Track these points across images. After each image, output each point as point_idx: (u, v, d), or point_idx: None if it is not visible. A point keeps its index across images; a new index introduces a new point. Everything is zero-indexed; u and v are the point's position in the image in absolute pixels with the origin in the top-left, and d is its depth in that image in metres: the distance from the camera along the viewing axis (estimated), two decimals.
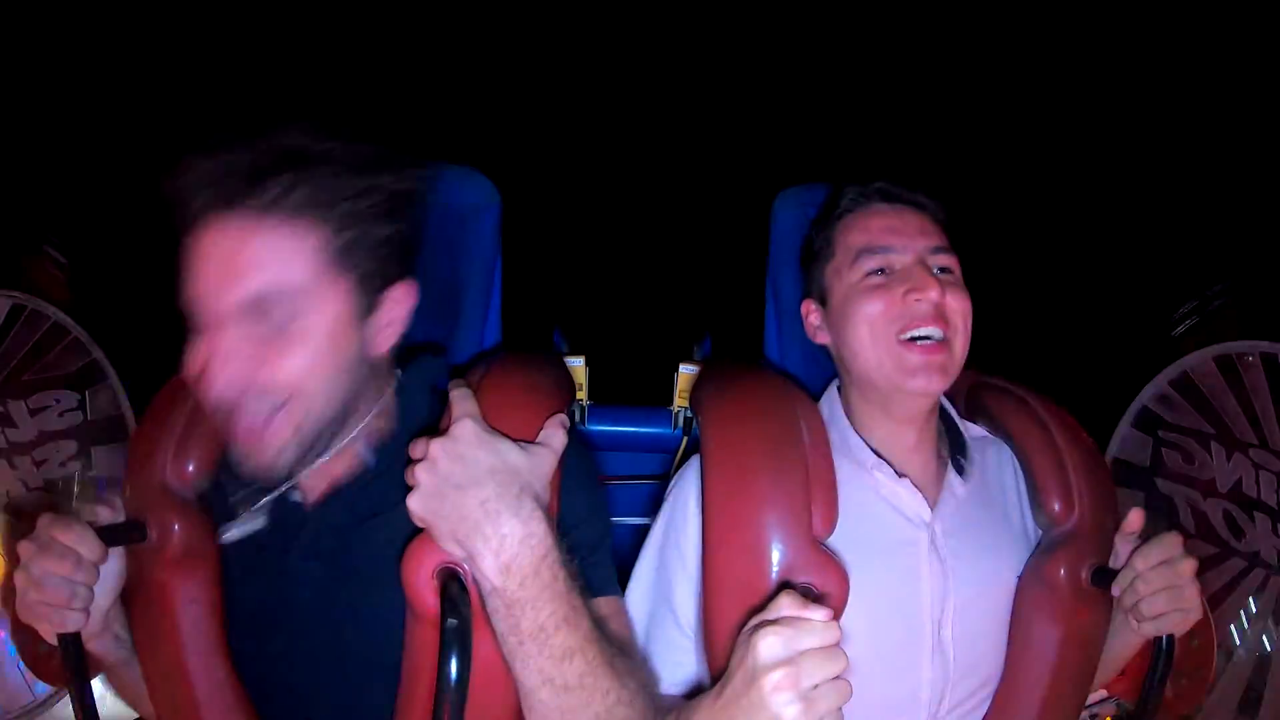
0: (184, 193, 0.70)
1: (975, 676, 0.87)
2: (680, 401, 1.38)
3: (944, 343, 0.87)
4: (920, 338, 0.86)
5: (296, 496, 0.81)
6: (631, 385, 1.47)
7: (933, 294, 0.86)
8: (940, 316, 0.87)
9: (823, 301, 0.97)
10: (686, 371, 1.36)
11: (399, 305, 0.78)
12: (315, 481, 0.81)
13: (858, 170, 1.00)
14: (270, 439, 0.72)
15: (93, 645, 0.80)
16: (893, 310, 0.87)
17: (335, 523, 0.79)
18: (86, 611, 0.74)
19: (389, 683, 0.75)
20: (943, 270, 0.90)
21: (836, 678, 0.57)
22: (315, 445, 0.75)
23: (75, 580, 0.72)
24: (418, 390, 0.84)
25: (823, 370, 1.04)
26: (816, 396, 0.98)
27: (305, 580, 0.79)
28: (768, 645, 0.57)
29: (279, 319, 0.69)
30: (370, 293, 0.75)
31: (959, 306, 0.88)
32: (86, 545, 0.73)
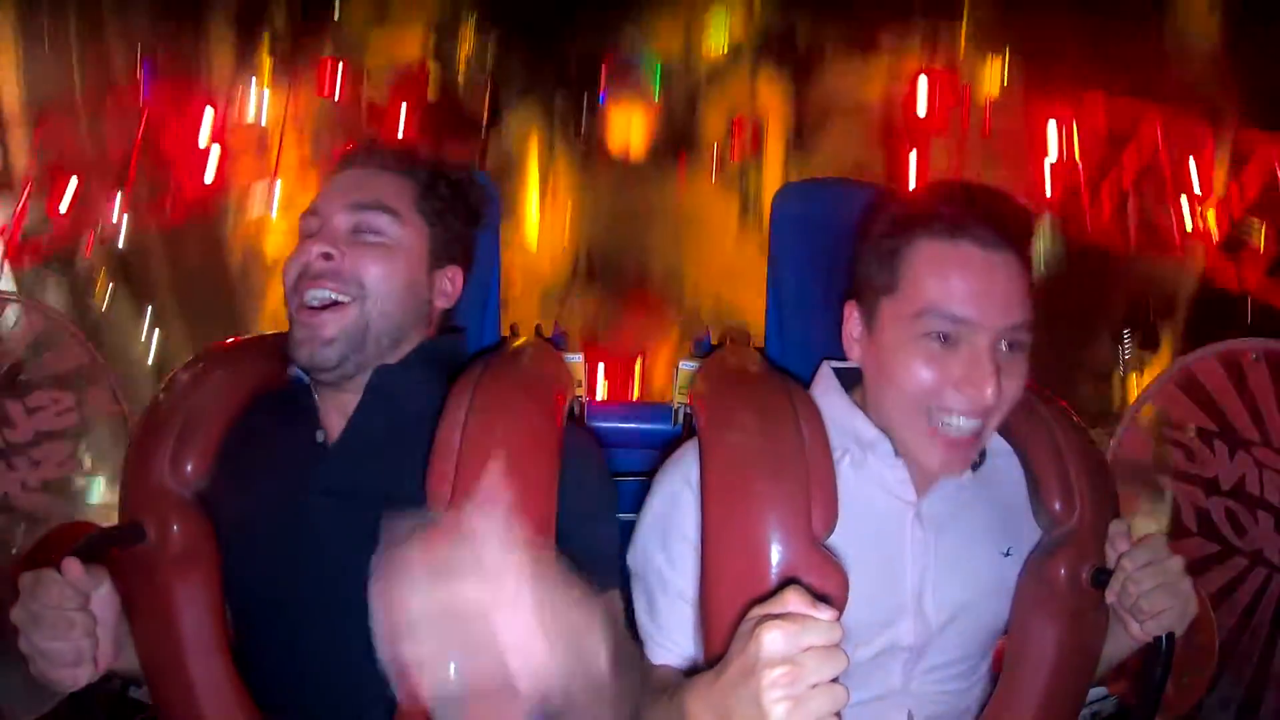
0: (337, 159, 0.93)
1: (957, 648, 0.87)
2: (680, 397, 1.37)
3: (977, 434, 0.81)
4: (951, 428, 0.80)
5: (320, 436, 0.88)
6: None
7: (987, 396, 0.77)
8: (985, 410, 0.79)
9: (868, 321, 0.86)
10: (686, 368, 1.36)
11: (455, 279, 0.96)
12: (334, 420, 0.89)
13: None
14: (330, 323, 0.83)
15: (117, 667, 0.80)
16: (941, 390, 0.79)
17: (351, 455, 0.85)
18: (95, 661, 0.75)
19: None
20: (1012, 348, 0.80)
21: (833, 681, 0.56)
22: (361, 353, 0.85)
23: (77, 641, 0.72)
24: (444, 351, 0.95)
25: None
26: None
27: (319, 520, 0.81)
28: (771, 640, 0.56)
29: (379, 225, 0.87)
30: (440, 253, 0.94)
31: (1011, 393, 0.80)
32: (70, 597, 0.72)
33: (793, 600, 0.58)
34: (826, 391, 0.92)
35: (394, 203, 0.89)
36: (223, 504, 0.85)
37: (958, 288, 0.78)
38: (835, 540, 0.79)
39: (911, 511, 0.87)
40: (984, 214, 0.79)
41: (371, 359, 0.87)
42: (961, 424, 0.79)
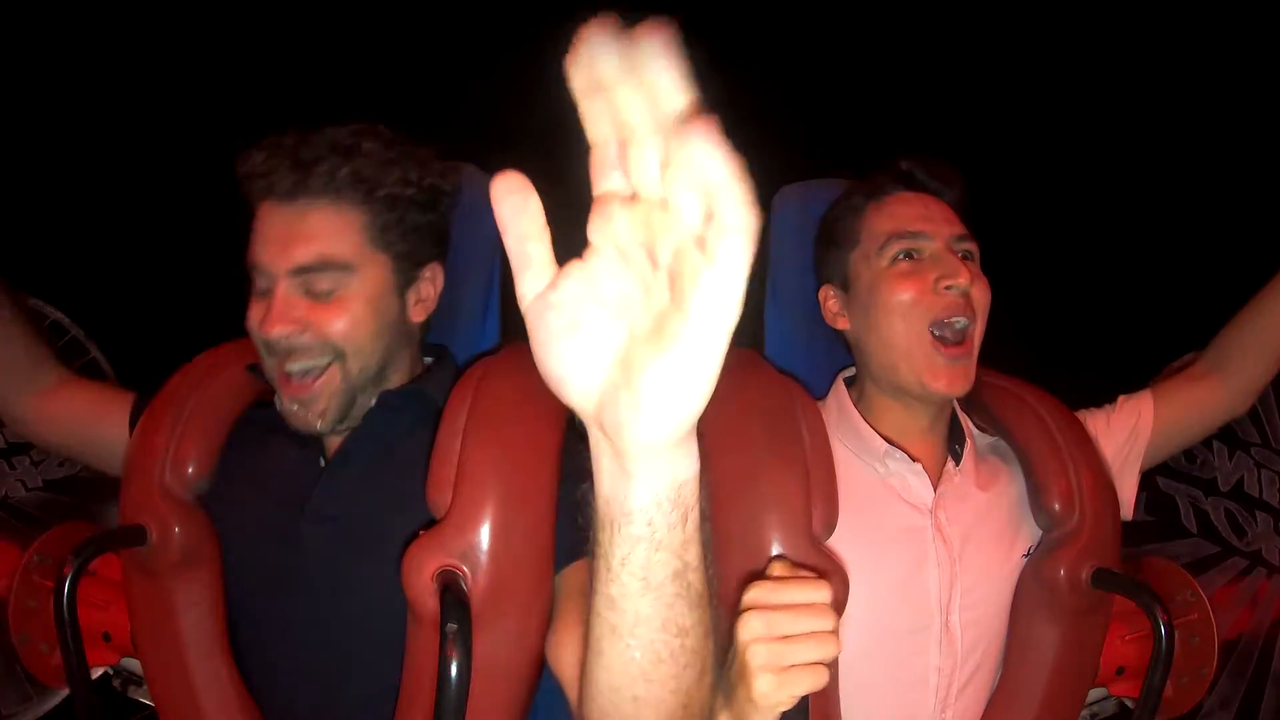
0: (245, 178, 0.80)
1: (974, 659, 0.88)
2: None
3: (968, 339, 0.88)
4: (949, 329, 0.87)
5: (320, 461, 0.86)
6: None
7: (963, 280, 0.86)
8: (969, 305, 0.87)
9: (844, 287, 0.96)
10: None
11: (432, 283, 0.88)
12: (333, 440, 0.86)
13: (860, 164, 0.99)
14: (320, 392, 0.80)
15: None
16: (925, 298, 0.87)
17: (347, 480, 0.83)
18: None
19: (387, 663, 0.75)
20: (966, 256, 0.91)
21: (816, 663, 0.56)
22: (352, 405, 0.83)
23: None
24: (446, 375, 0.89)
25: (823, 367, 1.04)
26: (817, 393, 0.98)
27: (310, 546, 0.80)
28: (747, 626, 0.56)
29: (329, 284, 0.79)
30: (407, 269, 0.85)
31: (981, 296, 0.89)
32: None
33: (778, 569, 0.61)
34: (842, 405, 0.96)
35: (340, 251, 0.79)
36: (220, 512, 0.85)
37: (904, 213, 0.92)
38: (860, 558, 0.80)
39: (930, 520, 0.88)
40: (914, 169, 0.95)
41: (363, 403, 0.85)
42: (955, 323, 0.87)
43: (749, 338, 1.19)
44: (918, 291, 0.88)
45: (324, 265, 0.79)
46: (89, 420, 0.92)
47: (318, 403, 0.81)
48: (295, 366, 0.80)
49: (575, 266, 0.36)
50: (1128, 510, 0.97)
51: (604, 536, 0.42)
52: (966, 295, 0.87)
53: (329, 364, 0.81)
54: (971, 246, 0.92)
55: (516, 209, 0.36)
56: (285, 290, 0.79)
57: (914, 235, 0.90)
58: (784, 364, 1.05)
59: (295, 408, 0.81)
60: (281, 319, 0.78)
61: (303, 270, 0.79)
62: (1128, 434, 0.98)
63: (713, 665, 0.49)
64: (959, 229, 0.91)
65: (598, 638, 0.45)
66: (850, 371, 1.01)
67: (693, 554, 0.42)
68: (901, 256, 0.90)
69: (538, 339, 0.37)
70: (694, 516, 0.41)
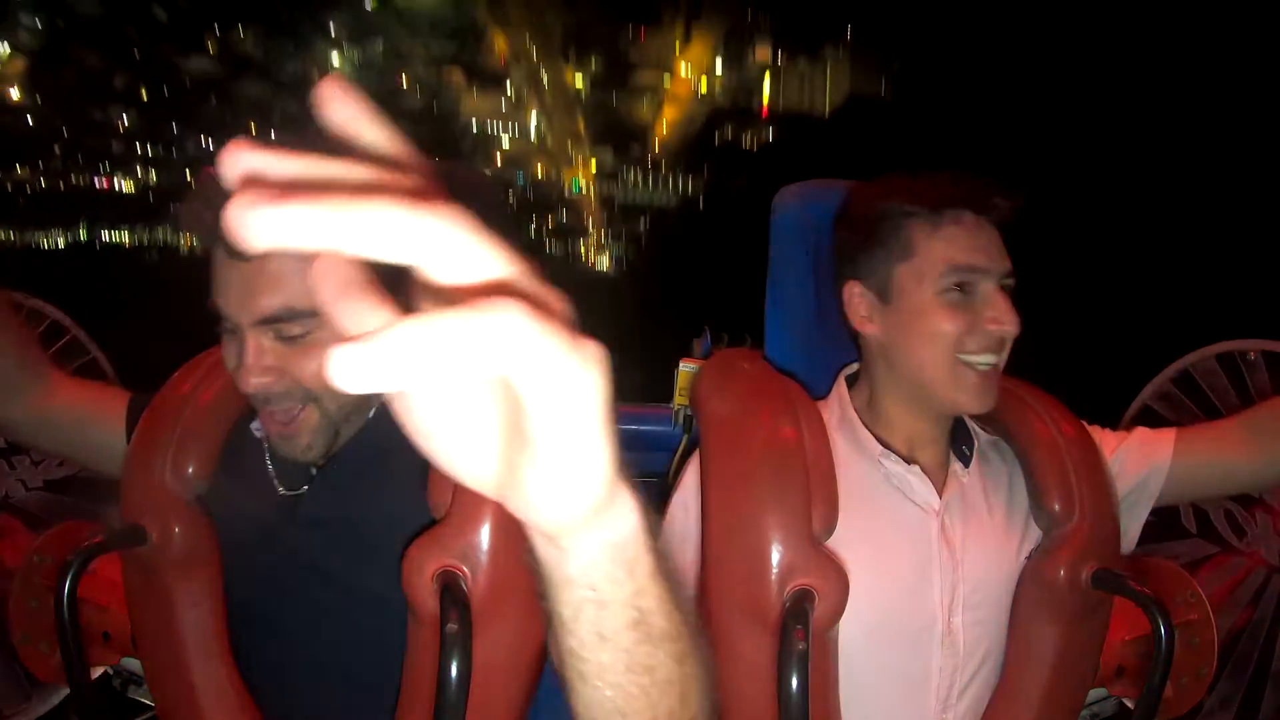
0: (189, 228, 0.75)
1: (976, 658, 0.88)
2: (680, 399, 1.37)
3: (999, 368, 0.89)
4: (981, 362, 0.88)
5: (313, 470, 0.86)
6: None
7: (1010, 328, 0.87)
8: (1002, 343, 0.89)
9: (882, 294, 0.93)
10: (686, 369, 1.36)
11: (410, 302, 0.81)
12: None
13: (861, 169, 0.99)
14: (301, 429, 0.79)
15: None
16: (965, 335, 0.88)
17: (335, 487, 0.82)
18: None
19: (385, 667, 0.75)
20: (1011, 291, 0.91)
21: None
22: (338, 434, 0.82)
23: None
24: None
25: (823, 367, 1.04)
26: (817, 393, 0.98)
27: (305, 552, 0.80)
28: None
29: (299, 329, 0.76)
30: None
31: (1015, 332, 0.89)
32: None
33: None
34: (843, 408, 0.96)
35: (306, 299, 0.75)
36: (220, 512, 0.85)
37: (965, 242, 0.89)
38: (864, 557, 0.80)
39: (936, 522, 0.88)
40: (979, 192, 0.91)
41: (349, 431, 0.84)
42: (989, 360, 0.88)
43: (749, 338, 1.19)
44: (966, 326, 0.88)
45: (291, 315, 0.76)
46: (84, 422, 0.92)
47: (300, 439, 0.80)
48: (274, 406, 0.79)
49: None
50: (1129, 544, 0.96)
51: (551, 596, 0.40)
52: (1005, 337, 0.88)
53: (306, 404, 0.79)
54: (1014, 281, 0.91)
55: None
56: (254, 341, 0.76)
57: (971, 270, 0.88)
58: (784, 364, 1.05)
59: (279, 440, 0.81)
60: (255, 371, 0.76)
61: (268, 320, 0.76)
62: (1138, 479, 0.95)
63: (696, 675, 0.47)
64: (1008, 264, 0.90)
65: (569, 680, 0.44)
66: (852, 368, 1.01)
67: (648, 599, 0.41)
68: (954, 289, 0.89)
69: (413, 432, 0.34)
70: (643, 565, 0.40)
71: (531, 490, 0.33)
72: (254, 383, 0.76)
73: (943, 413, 0.92)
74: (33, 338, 0.94)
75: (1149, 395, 1.62)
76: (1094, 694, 0.98)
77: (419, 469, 0.74)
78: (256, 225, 0.26)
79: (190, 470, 0.83)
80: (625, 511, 0.37)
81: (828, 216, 1.03)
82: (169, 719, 0.82)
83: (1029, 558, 0.90)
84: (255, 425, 0.88)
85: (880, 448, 0.91)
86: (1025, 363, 1.05)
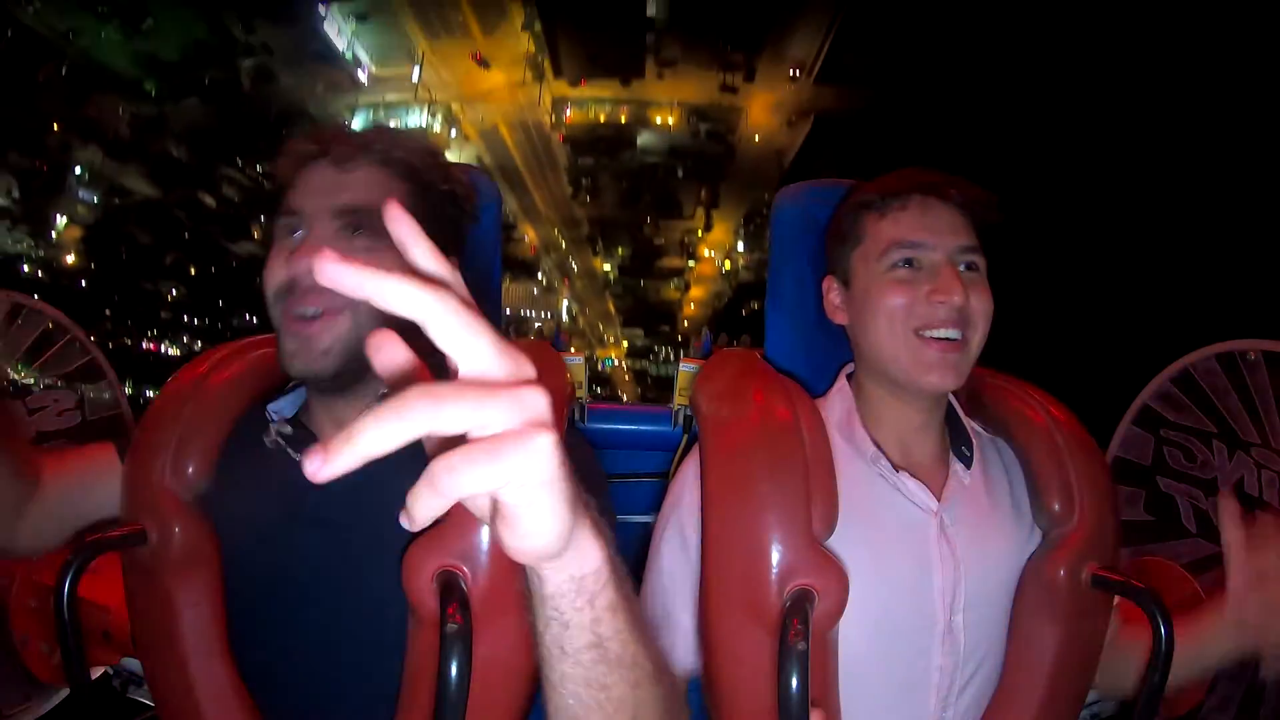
0: (294, 150, 0.84)
1: (976, 657, 0.88)
2: (680, 400, 1.37)
3: (961, 342, 0.88)
4: (939, 335, 0.88)
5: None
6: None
7: (956, 298, 0.86)
8: (961, 318, 0.88)
9: (845, 283, 0.97)
10: (686, 369, 1.36)
11: None
12: (330, 433, 0.81)
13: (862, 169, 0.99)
14: (324, 332, 0.79)
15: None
16: (914, 307, 0.88)
17: (338, 487, 0.80)
18: None
19: (385, 667, 0.75)
20: (969, 268, 0.91)
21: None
22: (358, 362, 0.80)
23: None
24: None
25: (823, 366, 1.04)
26: (817, 393, 0.98)
27: (308, 552, 0.80)
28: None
29: (363, 243, 0.80)
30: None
31: (981, 307, 0.89)
32: None
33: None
34: (845, 405, 0.96)
35: (378, 216, 0.81)
36: (220, 512, 0.85)
37: (909, 220, 0.91)
38: (865, 557, 0.80)
39: (935, 523, 0.88)
40: (929, 179, 0.93)
41: (370, 370, 0.83)
42: (945, 333, 0.88)
43: (749, 339, 1.19)
44: (909, 300, 0.88)
45: (366, 215, 0.80)
46: (86, 486, 0.91)
47: (321, 341, 0.79)
48: (309, 310, 0.79)
49: None
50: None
51: (531, 609, 0.49)
52: (960, 310, 0.87)
53: (342, 309, 0.79)
54: (977, 258, 0.91)
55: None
56: (323, 229, 0.80)
57: (915, 245, 0.90)
58: (784, 364, 1.05)
59: (295, 347, 0.79)
60: (314, 248, 0.74)
61: (345, 211, 0.81)
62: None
63: (651, 702, 0.55)
64: (964, 239, 0.90)
65: (544, 687, 0.53)
66: (852, 366, 1.01)
67: (606, 628, 0.49)
68: (901, 264, 0.90)
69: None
70: (604, 598, 0.48)
71: (504, 536, 0.42)
72: (306, 263, 0.76)
73: (917, 395, 0.91)
74: (21, 436, 0.92)
75: (1149, 395, 1.62)
76: (1094, 694, 0.98)
77: (420, 469, 0.74)
78: (337, 272, 0.38)
79: (190, 470, 0.83)
80: (589, 554, 0.46)
81: (827, 217, 1.03)
82: (168, 717, 0.82)
83: (1029, 558, 0.90)
84: (267, 436, 0.87)
85: (874, 449, 0.91)
86: (1026, 363, 1.05)
